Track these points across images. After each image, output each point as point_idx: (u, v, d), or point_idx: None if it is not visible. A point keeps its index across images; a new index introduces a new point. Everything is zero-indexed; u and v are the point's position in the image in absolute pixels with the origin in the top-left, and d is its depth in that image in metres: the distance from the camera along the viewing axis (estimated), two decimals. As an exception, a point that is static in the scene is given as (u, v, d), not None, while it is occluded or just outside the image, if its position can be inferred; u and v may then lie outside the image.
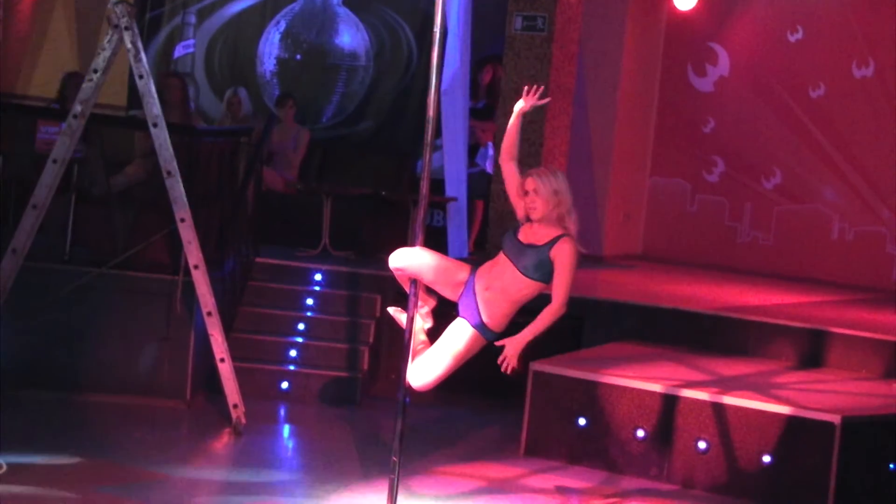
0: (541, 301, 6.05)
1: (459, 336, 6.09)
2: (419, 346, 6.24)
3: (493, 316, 6.04)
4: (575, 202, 6.03)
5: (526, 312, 6.13)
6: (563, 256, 5.91)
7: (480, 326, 6.05)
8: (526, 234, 6.01)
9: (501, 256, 6.06)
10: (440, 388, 9.48)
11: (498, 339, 6.11)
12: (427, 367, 6.15)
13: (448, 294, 6.15)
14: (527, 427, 8.01)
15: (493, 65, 11.80)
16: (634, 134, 12.78)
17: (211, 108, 12.67)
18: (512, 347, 5.97)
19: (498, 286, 6.04)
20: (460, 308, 6.12)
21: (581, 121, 11.81)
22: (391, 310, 6.50)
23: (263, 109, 12.52)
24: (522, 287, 6.02)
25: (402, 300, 6.34)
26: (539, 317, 5.98)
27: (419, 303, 6.19)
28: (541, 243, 5.95)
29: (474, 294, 6.04)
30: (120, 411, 8.27)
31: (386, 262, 6.27)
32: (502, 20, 10.97)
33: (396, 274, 6.20)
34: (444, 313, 6.37)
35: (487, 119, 11.79)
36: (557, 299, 5.94)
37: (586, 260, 11.62)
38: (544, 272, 5.99)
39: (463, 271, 6.14)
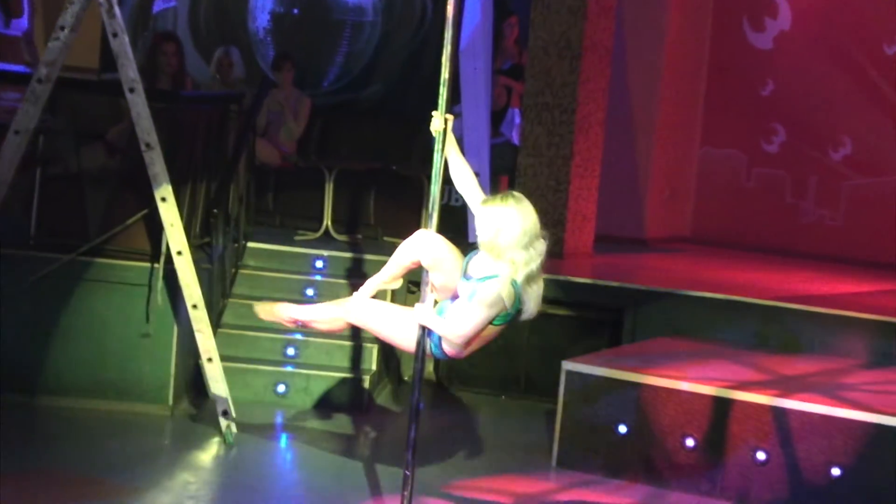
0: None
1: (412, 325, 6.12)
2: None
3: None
4: (537, 236, 5.92)
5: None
6: (481, 291, 5.89)
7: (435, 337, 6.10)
8: (476, 263, 6.02)
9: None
10: (460, 389, 9.57)
11: (444, 358, 6.18)
12: (376, 314, 6.24)
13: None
14: (559, 435, 8.00)
15: (519, 17, 11.77)
16: (682, 98, 12.76)
17: (197, 71, 12.63)
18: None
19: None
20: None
21: (620, 84, 11.77)
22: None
23: (256, 72, 12.51)
24: None
25: (414, 288, 6.36)
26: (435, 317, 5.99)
27: (385, 278, 6.29)
28: (478, 276, 5.96)
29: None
30: (93, 418, 8.28)
31: (396, 247, 6.26)
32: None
33: (406, 259, 6.18)
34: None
35: (515, 82, 11.75)
36: (451, 328, 5.94)
37: (626, 243, 11.78)
38: None
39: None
